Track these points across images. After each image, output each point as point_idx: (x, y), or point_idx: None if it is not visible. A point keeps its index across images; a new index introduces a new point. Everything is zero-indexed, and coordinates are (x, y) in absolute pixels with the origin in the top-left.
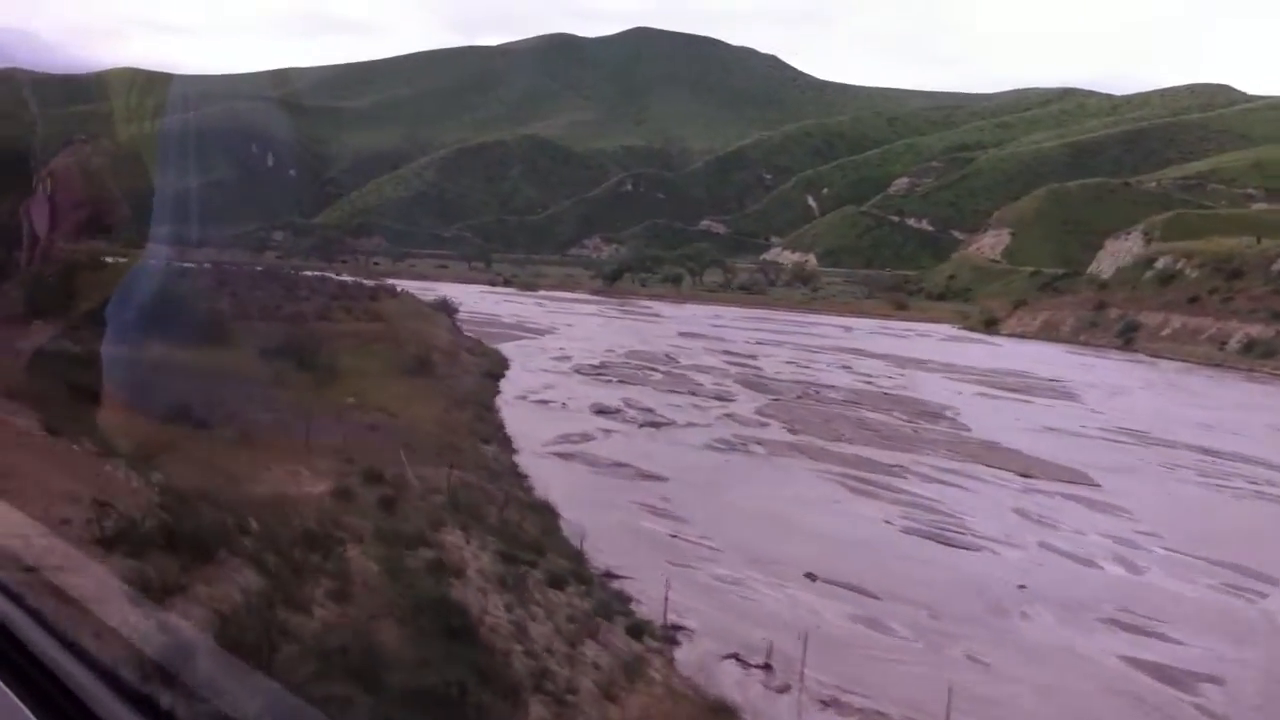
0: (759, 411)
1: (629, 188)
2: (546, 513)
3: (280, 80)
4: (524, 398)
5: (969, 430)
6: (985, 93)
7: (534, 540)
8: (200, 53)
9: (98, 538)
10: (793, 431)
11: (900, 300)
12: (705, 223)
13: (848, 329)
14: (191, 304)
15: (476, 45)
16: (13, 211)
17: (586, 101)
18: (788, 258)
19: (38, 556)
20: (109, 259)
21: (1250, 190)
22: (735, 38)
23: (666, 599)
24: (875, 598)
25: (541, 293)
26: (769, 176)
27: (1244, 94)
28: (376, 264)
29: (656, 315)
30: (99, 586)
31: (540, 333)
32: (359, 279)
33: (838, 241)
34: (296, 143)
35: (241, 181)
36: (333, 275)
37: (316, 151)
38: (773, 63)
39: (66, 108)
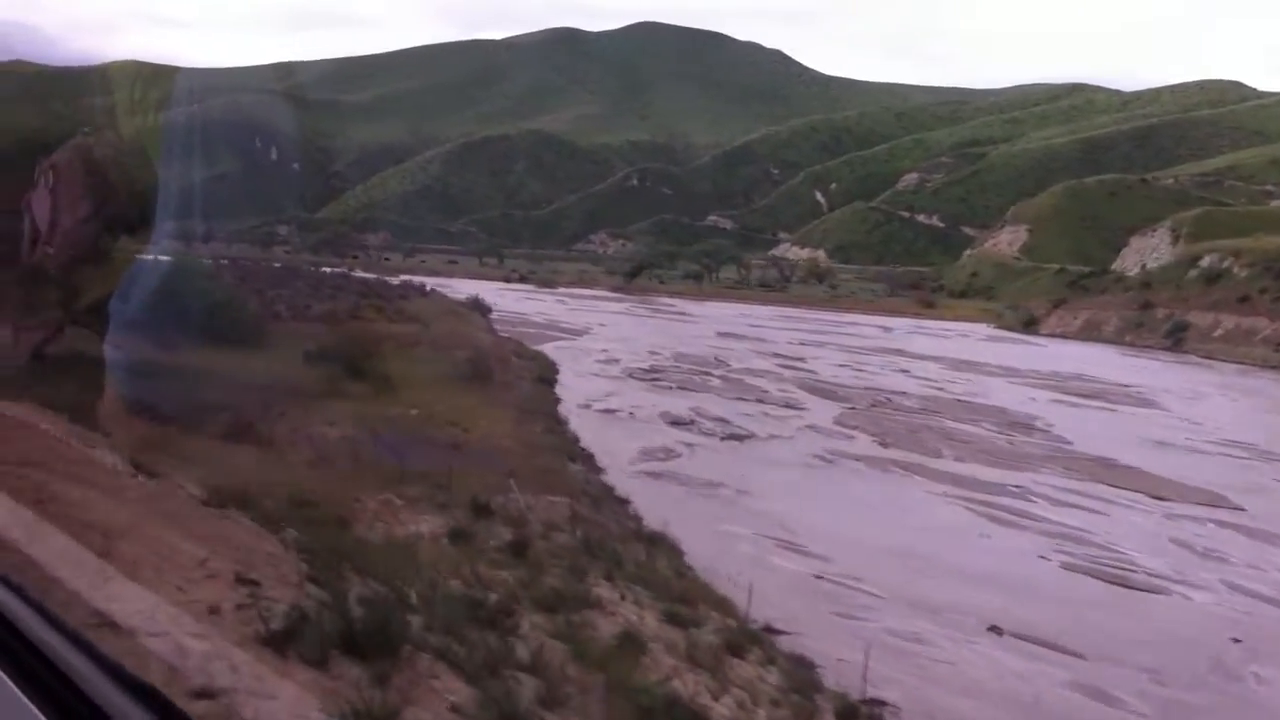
0: (838, 422)
1: (635, 182)
2: (667, 548)
3: (283, 74)
4: (587, 406)
5: (1070, 444)
6: (990, 88)
7: (680, 589)
8: (202, 46)
9: (262, 636)
10: (884, 445)
11: (927, 299)
12: (712, 218)
13: (885, 329)
14: (225, 304)
15: (480, 39)
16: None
17: (591, 96)
18: (797, 253)
19: (202, 669)
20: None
21: (1269, 186)
22: (740, 33)
23: (866, 671)
24: (1080, 657)
25: (560, 290)
26: (776, 172)
27: (1255, 90)
28: (387, 259)
29: (684, 314)
30: None
31: (575, 333)
32: (379, 276)
33: (847, 237)
34: (300, 136)
35: (245, 175)
36: (351, 272)
37: (320, 145)
38: (778, 58)
39: (68, 101)
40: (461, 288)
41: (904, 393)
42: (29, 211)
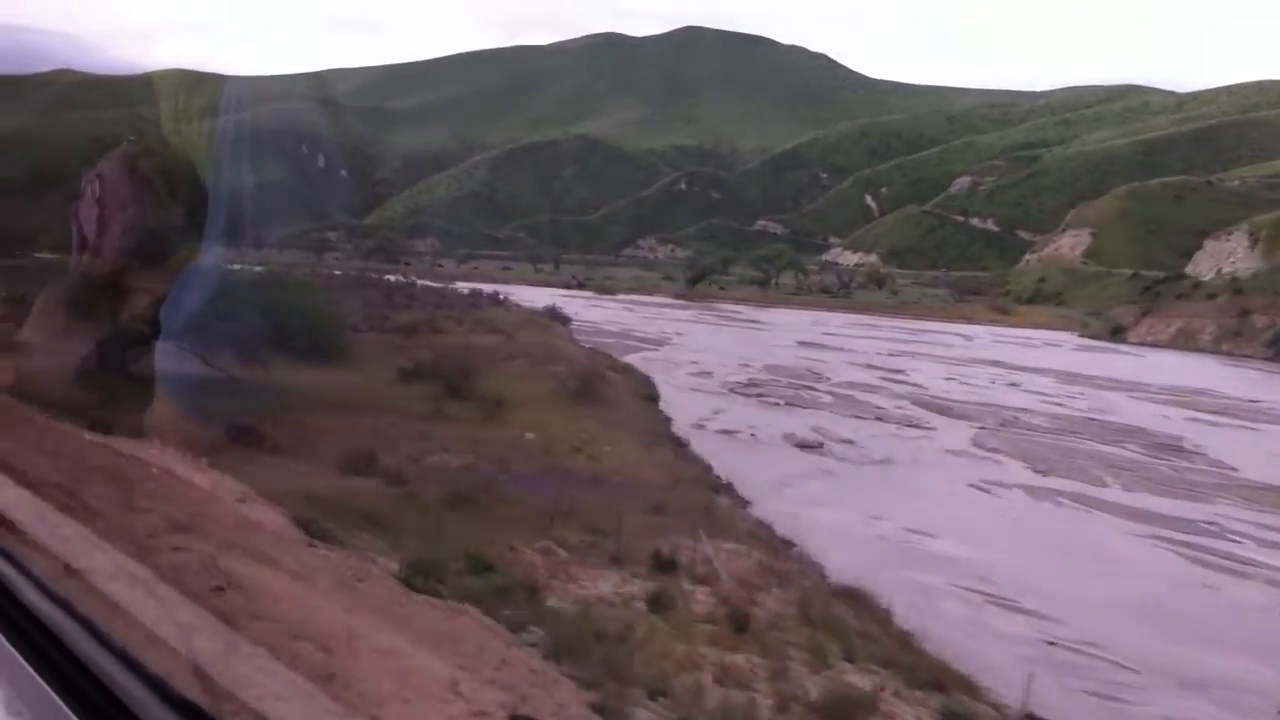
0: (976, 444)
1: (682, 187)
2: (869, 607)
3: (328, 81)
4: (701, 426)
5: (1234, 470)
6: (1039, 90)
7: (923, 669)
8: (247, 54)
9: None
10: (1040, 473)
11: (1001, 305)
12: (761, 223)
13: (965, 337)
14: (324, 319)
15: (524, 45)
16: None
17: (635, 101)
18: (848, 258)
19: None
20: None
21: None
22: (784, 36)
23: None
24: None
25: (621, 296)
26: (825, 176)
27: None
28: (440, 266)
29: (755, 322)
30: None
31: (655, 343)
32: (439, 283)
33: (900, 241)
34: (346, 143)
35: (293, 182)
36: (413, 280)
37: (366, 152)
38: (823, 61)
39: (112, 109)
40: (525, 295)
41: (1027, 410)
42: (76, 220)
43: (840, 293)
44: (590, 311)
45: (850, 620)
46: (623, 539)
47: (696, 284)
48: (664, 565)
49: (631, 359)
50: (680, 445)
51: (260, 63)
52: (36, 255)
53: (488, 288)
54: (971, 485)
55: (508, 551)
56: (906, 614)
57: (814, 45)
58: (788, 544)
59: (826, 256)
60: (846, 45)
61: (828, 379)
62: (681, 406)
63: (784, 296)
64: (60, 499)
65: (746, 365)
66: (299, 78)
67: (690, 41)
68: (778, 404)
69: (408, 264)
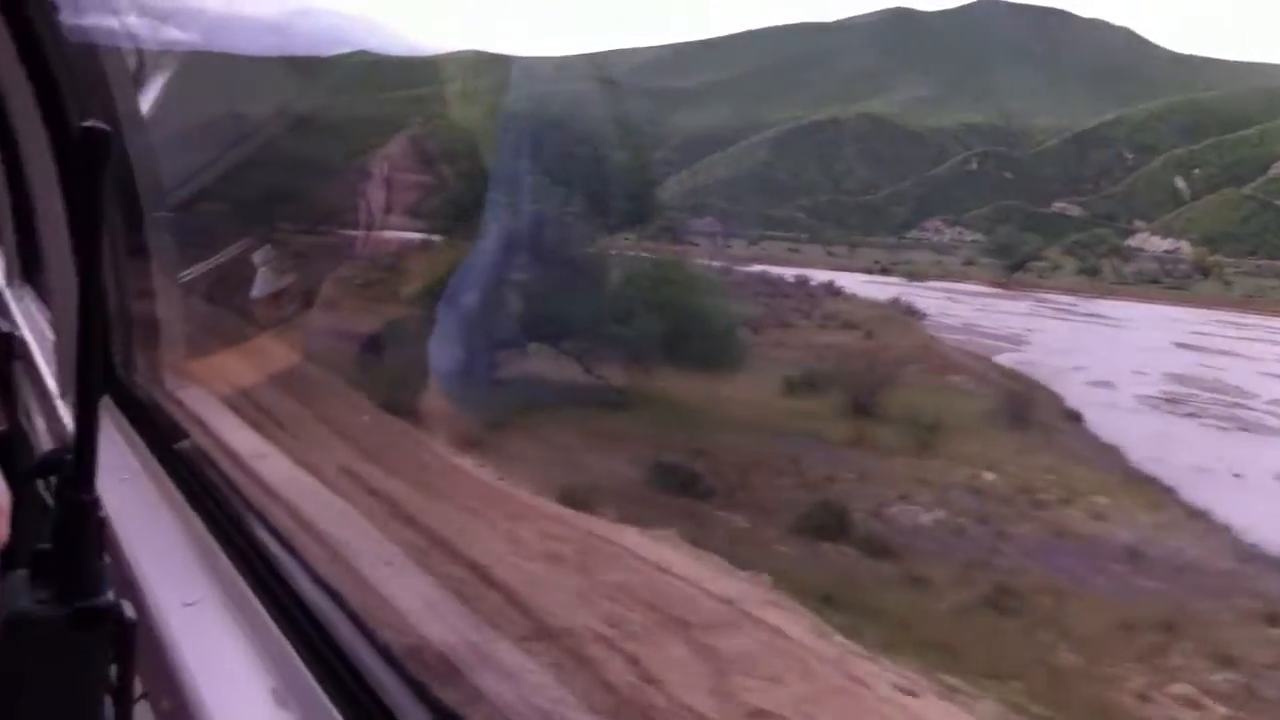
0: None
1: (973, 167)
2: None
3: (611, 61)
4: (1159, 459)
5: None
6: None
7: None
8: (531, 36)
9: None
10: None
11: None
12: (1059, 205)
13: None
14: (703, 316)
15: (809, 22)
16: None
17: (924, 78)
18: (1155, 244)
19: None
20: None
21: None
22: (1084, 9)
23: None
24: None
25: (931, 283)
26: (1130, 156)
27: None
28: (728, 247)
29: (1100, 316)
30: None
31: (1011, 342)
32: (728, 265)
33: (1215, 227)
34: (627, 123)
35: (576, 164)
36: (712, 262)
37: (648, 131)
38: (1126, 35)
39: (401, 90)
40: (829, 280)
41: None
42: (363, 201)
43: (1172, 284)
44: (913, 302)
45: None
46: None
47: (1016, 271)
48: None
49: (1002, 361)
50: (1168, 491)
51: (547, 45)
52: (338, 231)
53: (805, 273)
54: None
55: (1133, 701)
56: None
57: (1116, 19)
58: None
59: (1131, 242)
60: (1152, 19)
61: (1255, 394)
62: (1117, 429)
63: (1109, 287)
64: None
65: (1141, 373)
66: (583, 59)
67: (983, 16)
68: (1224, 428)
69: (695, 245)
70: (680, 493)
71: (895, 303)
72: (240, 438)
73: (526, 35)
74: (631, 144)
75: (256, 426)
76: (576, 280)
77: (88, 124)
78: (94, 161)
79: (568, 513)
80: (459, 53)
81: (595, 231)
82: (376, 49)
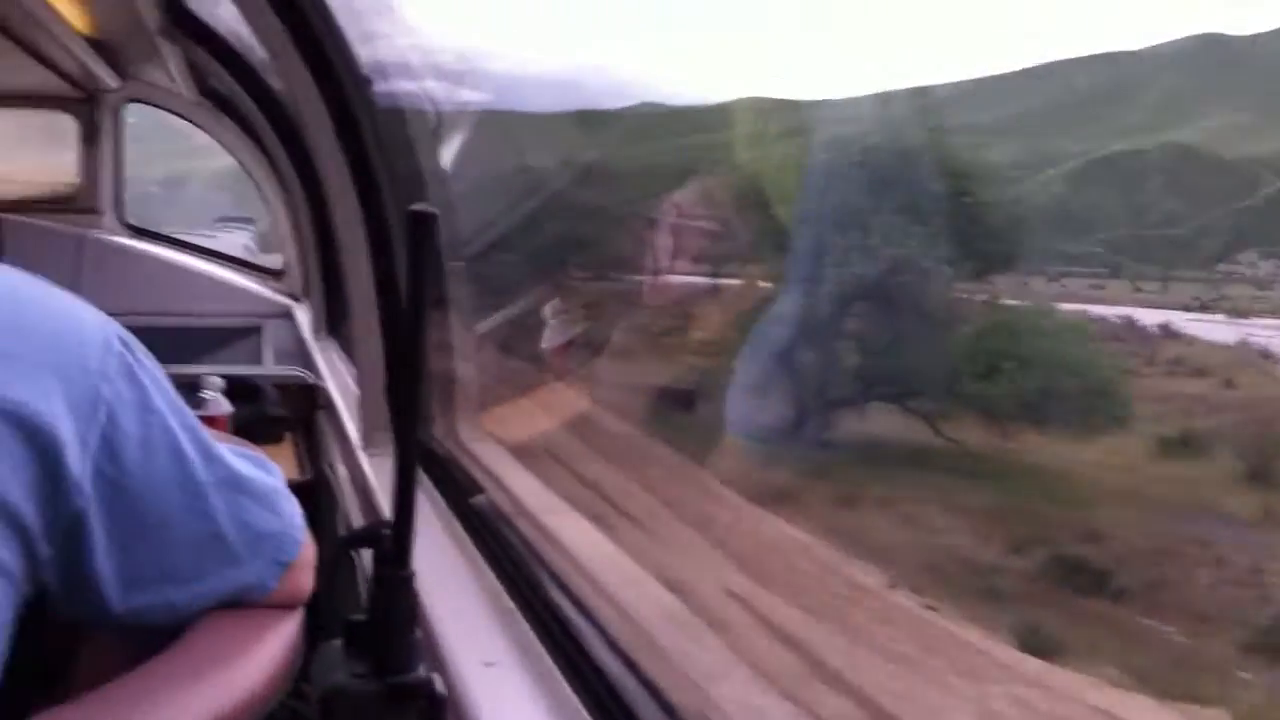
0: None
1: None
2: None
3: (895, 100)
4: None
5: None
6: None
7: None
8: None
9: None
10: None
11: None
12: None
13: None
14: (1081, 370)
15: (1109, 52)
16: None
17: (1236, 105)
18: None
19: None
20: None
21: None
22: None
23: None
24: None
25: (1262, 320)
26: None
27: None
28: (1025, 284)
29: None
30: None
31: None
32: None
33: None
34: (932, 162)
35: (932, 202)
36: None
37: (951, 169)
38: None
39: (684, 138)
40: (1149, 319)
41: None
42: (650, 249)
43: None
44: (1265, 343)
45: None
46: None
47: None
48: None
49: None
50: None
51: (831, 87)
52: (628, 277)
53: (1130, 312)
54: None
55: None
56: None
57: None
58: None
59: None
60: None
61: None
62: None
63: None
64: None
65: None
66: (869, 99)
67: None
68: None
69: (989, 282)
70: (1087, 593)
71: (1244, 344)
72: (568, 524)
73: (808, 80)
74: (988, 178)
75: (582, 506)
76: (928, 330)
77: (416, 207)
78: (422, 239)
79: (1037, 666)
80: (742, 99)
81: (955, 277)
82: (660, 100)
